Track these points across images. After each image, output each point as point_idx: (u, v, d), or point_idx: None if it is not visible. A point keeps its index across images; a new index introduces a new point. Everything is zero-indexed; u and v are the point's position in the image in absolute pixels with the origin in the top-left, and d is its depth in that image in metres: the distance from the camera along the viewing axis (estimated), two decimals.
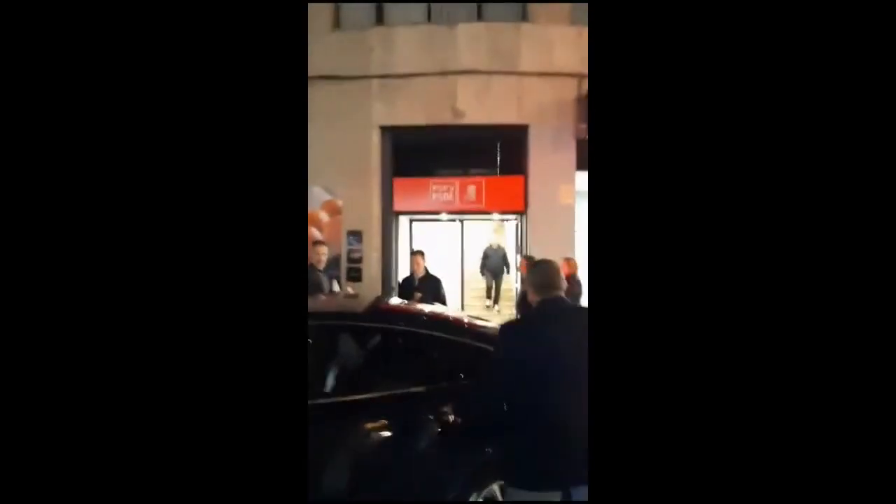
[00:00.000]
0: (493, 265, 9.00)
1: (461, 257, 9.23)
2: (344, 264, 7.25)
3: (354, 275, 7.27)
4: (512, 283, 8.84)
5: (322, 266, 4.99)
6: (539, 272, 2.14)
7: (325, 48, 7.09)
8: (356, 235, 7.39)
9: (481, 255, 9.09)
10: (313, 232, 7.24)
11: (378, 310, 3.33)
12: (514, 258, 8.58)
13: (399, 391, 2.65)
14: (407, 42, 7.27)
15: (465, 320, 3.32)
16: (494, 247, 9.03)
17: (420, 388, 2.64)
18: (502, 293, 9.06)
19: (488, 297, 9.16)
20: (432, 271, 5.52)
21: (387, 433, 2.58)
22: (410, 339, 2.90)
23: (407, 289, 5.39)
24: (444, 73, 7.19)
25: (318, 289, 4.57)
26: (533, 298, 2.12)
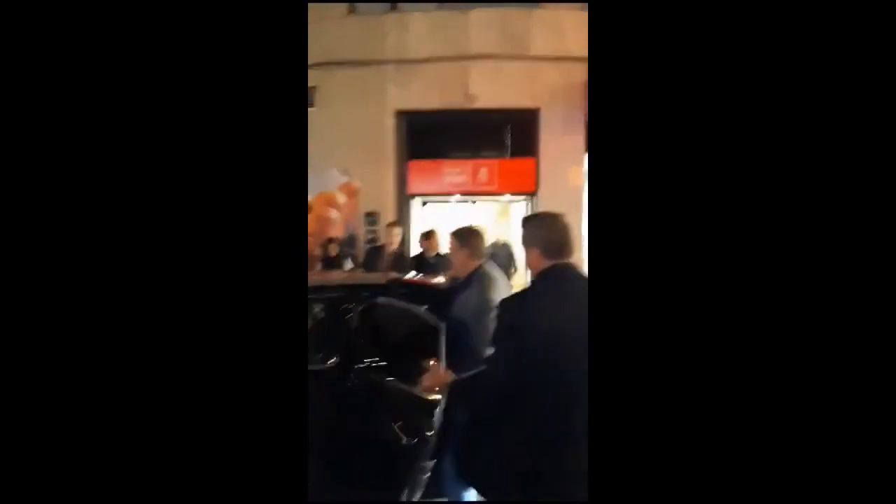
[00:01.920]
0: (498, 263, 8.52)
1: None
2: (362, 244, 7.53)
3: None
4: (519, 280, 8.70)
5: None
6: (549, 226, 1.71)
7: (341, 34, 7.34)
8: (373, 216, 7.66)
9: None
10: (331, 213, 7.52)
11: (400, 282, 3.62)
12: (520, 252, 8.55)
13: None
14: (421, 27, 7.46)
15: None
16: (500, 244, 8.33)
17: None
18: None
19: None
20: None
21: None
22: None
23: (420, 265, 5.67)
24: (457, 58, 7.39)
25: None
26: (538, 264, 1.70)
